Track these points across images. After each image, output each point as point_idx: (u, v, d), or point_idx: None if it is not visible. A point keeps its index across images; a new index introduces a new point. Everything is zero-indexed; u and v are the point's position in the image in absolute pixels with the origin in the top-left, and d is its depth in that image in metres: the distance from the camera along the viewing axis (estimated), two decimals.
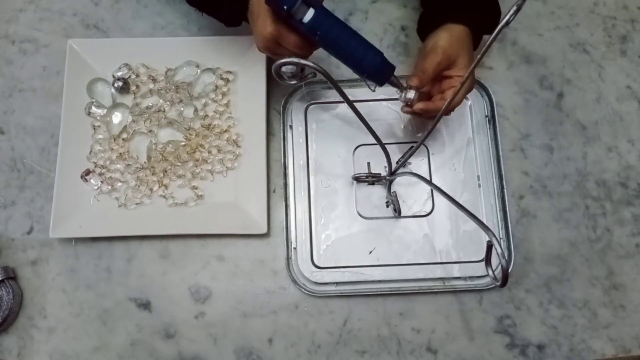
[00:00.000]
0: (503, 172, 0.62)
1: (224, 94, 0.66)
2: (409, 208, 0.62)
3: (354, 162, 0.64)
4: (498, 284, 0.41)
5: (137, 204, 0.63)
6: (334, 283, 0.61)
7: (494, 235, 0.38)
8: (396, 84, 0.51)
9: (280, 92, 0.67)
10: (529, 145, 0.65)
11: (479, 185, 0.63)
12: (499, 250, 0.37)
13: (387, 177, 0.59)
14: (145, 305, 0.61)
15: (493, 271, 0.47)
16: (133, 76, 0.67)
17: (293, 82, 0.41)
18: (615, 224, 0.62)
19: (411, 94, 0.52)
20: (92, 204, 0.63)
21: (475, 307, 0.60)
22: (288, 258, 0.61)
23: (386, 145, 0.51)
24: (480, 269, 0.60)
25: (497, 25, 0.35)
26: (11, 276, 0.61)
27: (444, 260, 0.61)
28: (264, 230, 0.61)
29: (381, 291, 0.60)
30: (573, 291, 0.61)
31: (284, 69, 0.38)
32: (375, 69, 0.48)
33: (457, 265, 0.61)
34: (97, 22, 0.70)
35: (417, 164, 0.64)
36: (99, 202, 0.63)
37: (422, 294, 0.60)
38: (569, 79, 0.67)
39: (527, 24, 0.69)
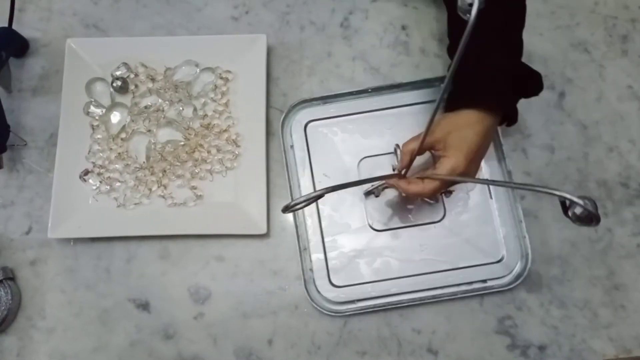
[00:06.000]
0: (510, 169, 0.61)
1: (223, 94, 0.66)
2: (418, 216, 0.62)
3: (360, 175, 0.63)
4: (593, 224, 0.37)
5: (136, 204, 0.63)
6: (354, 301, 0.60)
7: (563, 192, 0.36)
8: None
9: (280, 91, 0.66)
10: (530, 145, 0.64)
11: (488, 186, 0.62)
12: (575, 200, 0.35)
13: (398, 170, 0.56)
14: (145, 306, 0.61)
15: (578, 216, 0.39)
16: (132, 75, 0.66)
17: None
18: (616, 224, 0.62)
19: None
20: (91, 204, 0.63)
21: (476, 308, 0.60)
22: (305, 281, 0.59)
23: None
24: (487, 273, 0.60)
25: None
26: (10, 276, 0.61)
27: (454, 267, 0.60)
28: (264, 230, 0.60)
29: (395, 305, 0.59)
30: (574, 291, 0.60)
31: None
32: None
33: (466, 270, 0.60)
34: (96, 21, 0.70)
35: None
36: (97, 202, 0.63)
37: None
38: (570, 78, 0.67)
39: (527, 24, 0.68)
